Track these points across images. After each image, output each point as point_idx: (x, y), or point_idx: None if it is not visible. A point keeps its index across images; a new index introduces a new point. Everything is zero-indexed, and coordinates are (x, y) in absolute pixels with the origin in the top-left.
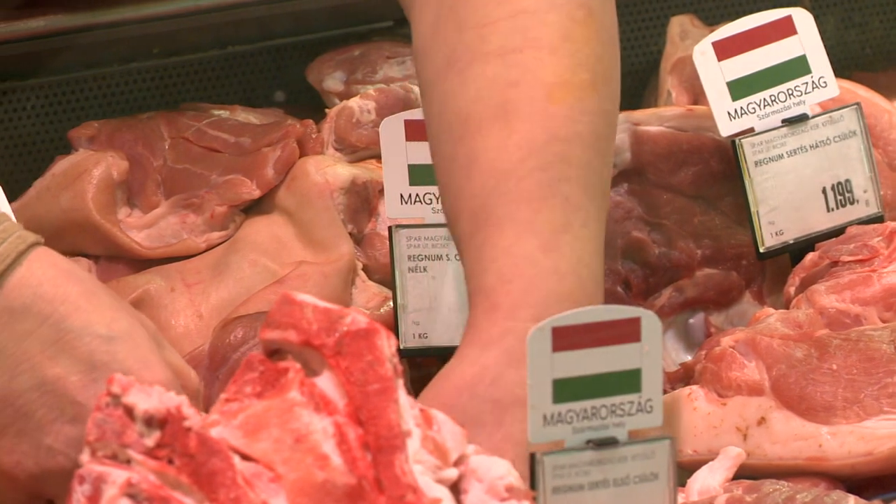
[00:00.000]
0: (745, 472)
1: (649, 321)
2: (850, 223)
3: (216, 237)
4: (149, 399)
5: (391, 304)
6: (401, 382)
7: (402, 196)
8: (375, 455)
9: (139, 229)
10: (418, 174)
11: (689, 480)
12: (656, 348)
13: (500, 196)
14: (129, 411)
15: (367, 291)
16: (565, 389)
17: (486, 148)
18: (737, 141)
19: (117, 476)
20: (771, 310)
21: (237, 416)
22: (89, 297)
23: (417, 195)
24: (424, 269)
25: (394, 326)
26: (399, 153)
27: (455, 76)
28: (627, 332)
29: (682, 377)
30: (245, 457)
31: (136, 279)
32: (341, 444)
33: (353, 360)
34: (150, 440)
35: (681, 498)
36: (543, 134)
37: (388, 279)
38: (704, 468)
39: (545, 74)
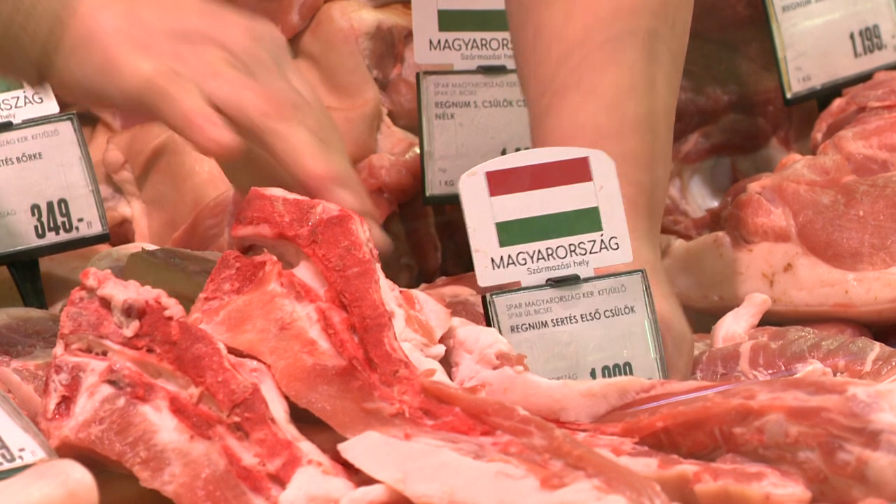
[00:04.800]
0: (771, 319)
1: (600, 160)
2: (878, 69)
3: None
4: (126, 291)
5: (417, 150)
6: (378, 266)
7: (430, 42)
8: (363, 335)
9: None
10: (449, 19)
11: (714, 327)
12: (612, 187)
13: (565, 65)
14: (106, 303)
15: (393, 137)
16: (511, 232)
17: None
18: None
19: (96, 365)
20: (797, 156)
21: (219, 313)
22: None
23: (447, 41)
24: (452, 116)
25: (420, 173)
26: None
27: None
28: (577, 172)
29: (708, 223)
30: (230, 351)
31: (160, 125)
32: (327, 328)
33: (330, 248)
34: (129, 330)
35: (705, 345)
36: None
37: (413, 125)
38: (730, 315)
39: None
